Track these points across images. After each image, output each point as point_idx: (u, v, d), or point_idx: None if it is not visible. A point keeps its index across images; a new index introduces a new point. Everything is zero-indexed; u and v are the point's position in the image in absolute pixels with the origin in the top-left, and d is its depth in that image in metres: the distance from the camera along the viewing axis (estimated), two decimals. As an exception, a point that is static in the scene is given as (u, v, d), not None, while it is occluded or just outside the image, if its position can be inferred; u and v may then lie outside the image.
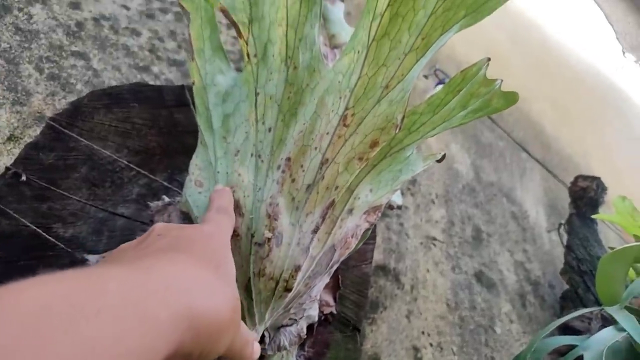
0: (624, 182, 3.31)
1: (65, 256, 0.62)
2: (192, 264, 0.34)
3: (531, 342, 0.90)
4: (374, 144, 0.56)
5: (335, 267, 0.60)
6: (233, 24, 0.58)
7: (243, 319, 0.51)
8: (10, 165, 0.63)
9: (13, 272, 0.57)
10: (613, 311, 0.80)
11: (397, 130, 0.57)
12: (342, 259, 0.59)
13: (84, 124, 0.72)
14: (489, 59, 0.61)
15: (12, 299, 0.22)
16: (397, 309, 1.16)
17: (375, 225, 0.66)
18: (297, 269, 0.51)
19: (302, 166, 0.54)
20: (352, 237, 0.59)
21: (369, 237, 0.79)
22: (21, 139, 0.84)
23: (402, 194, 1.45)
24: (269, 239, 0.50)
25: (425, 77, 2.11)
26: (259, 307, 0.51)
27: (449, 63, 2.45)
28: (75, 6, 1.10)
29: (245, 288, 0.50)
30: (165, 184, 0.72)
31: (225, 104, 0.59)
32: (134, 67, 1.07)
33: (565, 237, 1.77)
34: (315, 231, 0.53)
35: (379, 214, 0.63)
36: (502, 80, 0.63)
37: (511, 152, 2.37)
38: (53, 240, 0.62)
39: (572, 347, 1.00)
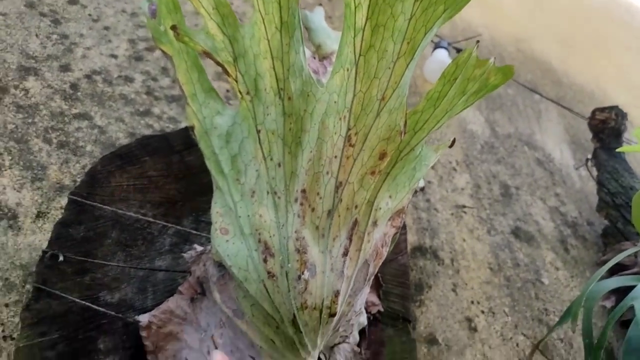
0: (643, 95, 3.23)
1: (118, 320, 0.65)
2: None
3: (581, 293, 0.90)
4: (382, 156, 0.57)
5: (372, 277, 0.61)
6: (219, 65, 0.58)
7: (296, 351, 0.53)
8: (46, 248, 0.66)
9: (76, 347, 0.60)
10: (655, 251, 0.80)
11: (402, 135, 0.57)
12: (377, 269, 0.60)
13: (103, 190, 0.74)
14: (477, 41, 0.61)
15: None
16: (442, 285, 1.17)
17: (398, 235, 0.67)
18: (337, 293, 0.53)
19: (318, 194, 0.55)
20: (382, 246, 0.60)
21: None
22: (48, 213, 0.87)
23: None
24: (303, 273, 0.51)
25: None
26: (309, 336, 0.53)
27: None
28: (65, 68, 1.12)
29: (293, 323, 0.51)
30: (193, 232, 0.74)
31: (229, 145, 0.60)
32: (136, 113, 1.09)
33: (594, 170, 1.75)
34: (345, 254, 0.54)
35: (404, 216, 0.64)
36: (495, 58, 0.63)
37: (522, 97, 2.34)
38: (103, 309, 0.64)
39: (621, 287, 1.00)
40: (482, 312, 1.17)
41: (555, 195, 1.76)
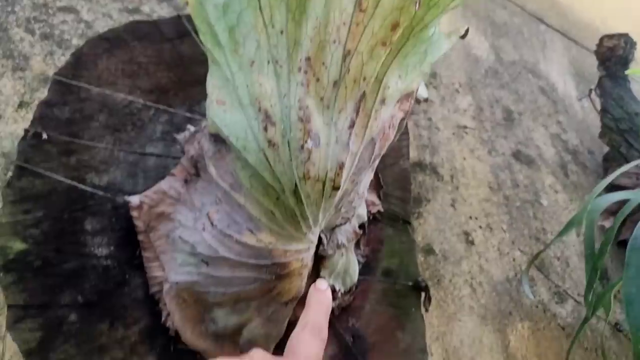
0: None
1: (106, 202, 0.61)
2: None
3: (584, 204, 0.88)
4: (395, 26, 0.52)
5: (377, 161, 0.58)
6: None
7: (296, 224, 0.50)
8: (29, 127, 0.62)
9: (61, 227, 0.57)
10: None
11: (417, 6, 0.52)
12: (383, 151, 0.57)
13: (89, 73, 0.69)
14: None
15: None
16: (440, 200, 1.15)
17: (406, 122, 0.63)
18: (341, 166, 0.50)
19: (323, 63, 0.51)
20: (389, 127, 0.57)
21: (402, 133, 0.76)
22: (31, 103, 0.82)
23: (426, 87, 1.40)
24: (306, 142, 0.48)
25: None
26: (311, 209, 0.50)
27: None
28: (49, -42, 1.04)
29: (294, 193, 0.48)
30: (188, 114, 0.70)
31: (227, 16, 0.54)
32: (125, 10, 1.03)
33: (598, 101, 1.70)
34: (351, 126, 0.51)
35: (412, 101, 0.60)
36: None
37: (528, 26, 2.25)
38: (90, 189, 0.61)
39: (623, 202, 0.98)
40: (480, 227, 1.15)
41: (557, 123, 1.73)
